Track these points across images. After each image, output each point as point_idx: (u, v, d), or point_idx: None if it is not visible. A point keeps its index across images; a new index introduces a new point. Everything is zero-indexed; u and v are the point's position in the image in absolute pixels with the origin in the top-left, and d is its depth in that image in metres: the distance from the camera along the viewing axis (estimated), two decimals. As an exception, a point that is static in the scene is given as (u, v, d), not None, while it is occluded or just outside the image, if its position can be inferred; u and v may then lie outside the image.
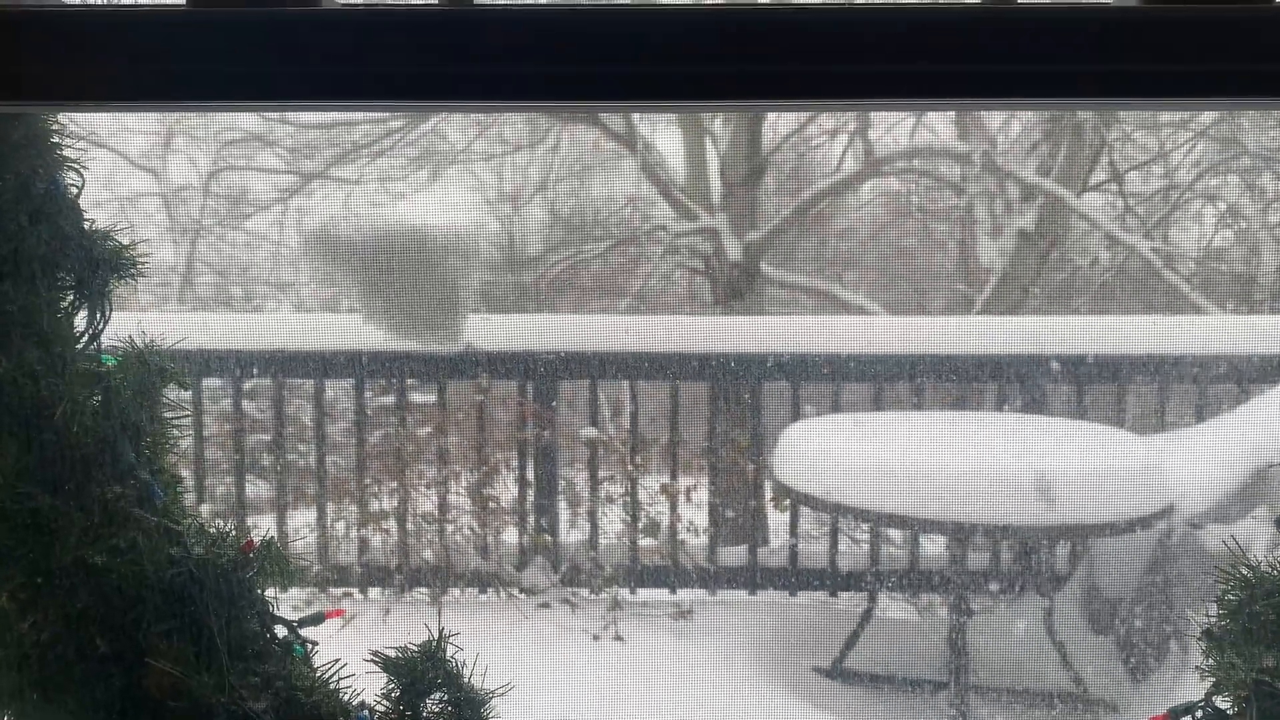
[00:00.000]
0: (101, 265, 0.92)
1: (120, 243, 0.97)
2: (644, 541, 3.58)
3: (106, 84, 0.70)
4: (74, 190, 0.96)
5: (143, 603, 0.85)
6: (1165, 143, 6.33)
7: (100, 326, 0.95)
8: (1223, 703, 0.80)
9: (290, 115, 6.40)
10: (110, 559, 0.85)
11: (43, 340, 0.89)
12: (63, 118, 0.97)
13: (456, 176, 6.49)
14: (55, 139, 0.95)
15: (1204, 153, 6.15)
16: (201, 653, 0.85)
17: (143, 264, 0.98)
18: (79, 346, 0.94)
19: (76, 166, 0.96)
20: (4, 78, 0.71)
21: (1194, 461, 2.92)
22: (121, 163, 6.62)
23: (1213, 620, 0.82)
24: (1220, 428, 3.12)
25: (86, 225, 0.95)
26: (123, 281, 0.97)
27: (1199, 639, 0.82)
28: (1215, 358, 3.43)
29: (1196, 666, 0.81)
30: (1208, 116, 5.94)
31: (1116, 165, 6.12)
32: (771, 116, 5.95)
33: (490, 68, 0.68)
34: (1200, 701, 0.81)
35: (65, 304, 0.94)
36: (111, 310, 0.96)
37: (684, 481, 3.62)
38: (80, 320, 0.95)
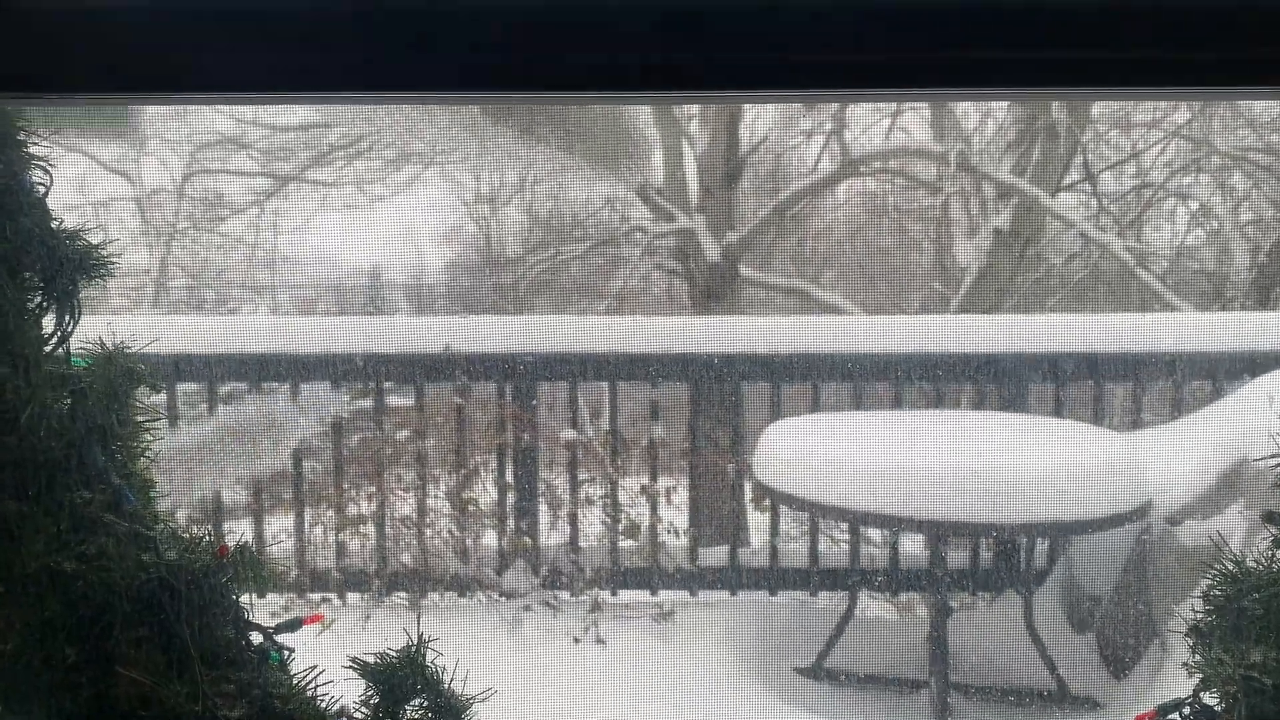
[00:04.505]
0: (68, 264, 0.89)
1: (89, 242, 0.94)
2: (624, 543, 3.57)
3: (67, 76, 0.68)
4: (41, 189, 0.93)
5: (112, 610, 0.83)
6: (1138, 143, 6.38)
7: (70, 328, 0.93)
8: (1210, 699, 0.79)
9: (265, 118, 6.35)
10: (79, 566, 0.83)
11: (7, 342, 0.87)
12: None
13: (433, 178, 6.45)
14: (21, 136, 0.92)
15: (1176, 153, 6.21)
16: (174, 661, 0.83)
17: (113, 264, 0.96)
18: (47, 349, 0.92)
19: (44, 165, 0.94)
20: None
21: (1171, 458, 2.94)
22: (94, 166, 6.55)
23: (1199, 616, 0.82)
24: (1196, 424, 3.14)
25: (55, 225, 0.93)
26: (92, 282, 0.94)
27: (1186, 635, 0.82)
28: (1189, 355, 3.45)
29: (1184, 663, 0.80)
30: (1180, 117, 6.00)
31: (1090, 165, 6.17)
32: (749, 118, 5.96)
33: (457, 58, 0.67)
34: (1188, 698, 0.81)
35: (33, 305, 0.92)
36: (81, 312, 0.94)
37: (664, 483, 3.61)
38: (49, 322, 0.93)
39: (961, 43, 0.70)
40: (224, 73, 0.69)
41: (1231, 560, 0.83)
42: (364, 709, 0.90)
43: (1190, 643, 0.82)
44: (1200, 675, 0.80)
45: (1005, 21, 0.70)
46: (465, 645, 3.09)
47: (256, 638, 0.91)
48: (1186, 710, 0.81)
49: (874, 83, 0.72)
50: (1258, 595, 0.79)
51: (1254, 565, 0.83)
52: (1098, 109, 6.00)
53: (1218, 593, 0.82)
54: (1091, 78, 0.72)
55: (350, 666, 0.89)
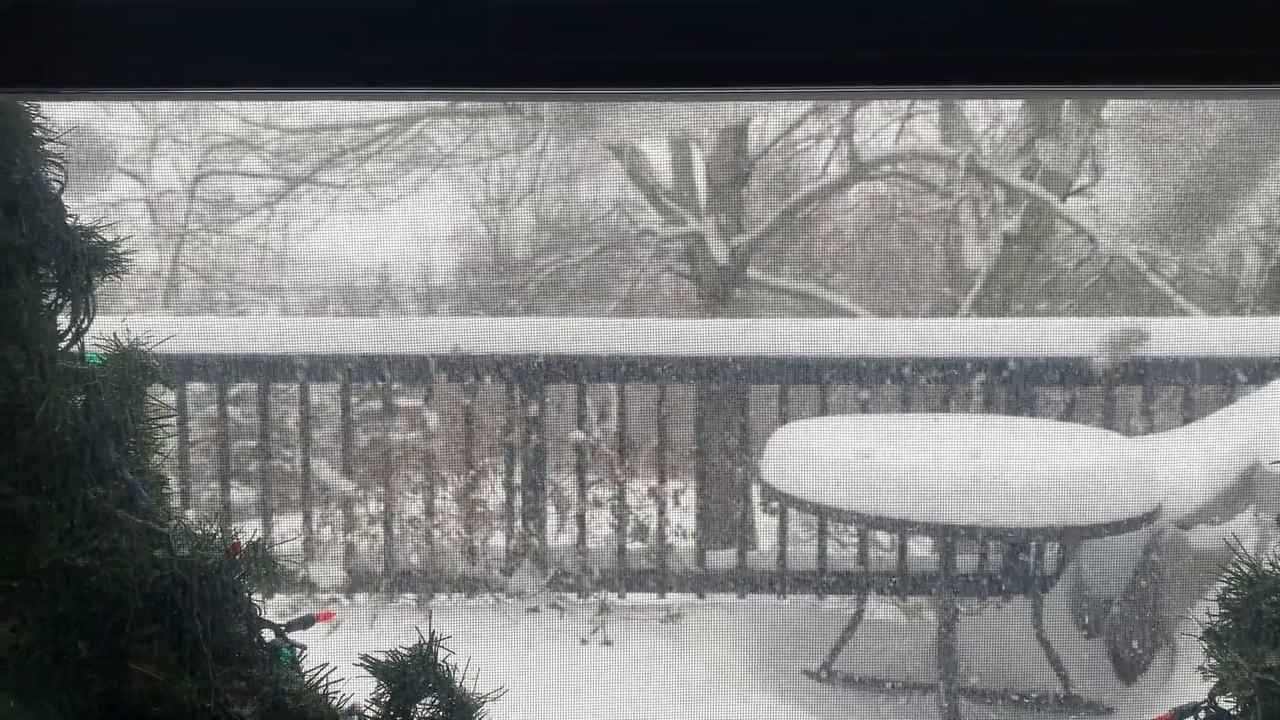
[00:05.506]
0: (83, 260, 0.89)
1: (103, 239, 0.94)
2: (632, 545, 3.57)
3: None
4: (56, 186, 0.93)
5: (125, 606, 0.83)
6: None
7: (84, 325, 0.93)
8: (1226, 703, 0.79)
9: (275, 119, 6.37)
10: (91, 561, 0.83)
11: (22, 337, 0.87)
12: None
13: (442, 180, 6.47)
14: (37, 133, 0.93)
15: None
16: (186, 657, 0.83)
17: (127, 261, 0.96)
18: (62, 345, 0.92)
19: (59, 162, 0.94)
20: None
21: (1181, 462, 2.93)
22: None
23: (1215, 620, 0.82)
24: (1207, 429, 3.13)
25: (70, 221, 0.93)
26: (106, 279, 0.94)
27: (1201, 639, 0.81)
28: (1201, 359, 3.44)
29: (1200, 667, 0.80)
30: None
31: (1101, 169, 6.14)
32: (758, 120, 5.96)
33: (463, 56, 0.67)
34: (1204, 702, 0.80)
35: (48, 301, 0.92)
36: (95, 309, 0.94)
37: (672, 485, 3.60)
38: (63, 318, 0.93)
39: (965, 41, 0.70)
40: (230, 70, 0.69)
41: (1247, 563, 0.82)
42: (375, 707, 0.90)
43: (1206, 646, 0.81)
44: (1216, 679, 0.79)
45: (1011, 20, 0.69)
46: (472, 646, 3.09)
47: (268, 635, 0.91)
48: (1202, 714, 0.81)
49: (880, 80, 0.72)
50: (1274, 598, 0.79)
51: (1270, 569, 0.82)
52: (1109, 112, 5.98)
53: (1233, 596, 0.81)
54: (1099, 76, 0.72)
55: (361, 664, 0.89)
